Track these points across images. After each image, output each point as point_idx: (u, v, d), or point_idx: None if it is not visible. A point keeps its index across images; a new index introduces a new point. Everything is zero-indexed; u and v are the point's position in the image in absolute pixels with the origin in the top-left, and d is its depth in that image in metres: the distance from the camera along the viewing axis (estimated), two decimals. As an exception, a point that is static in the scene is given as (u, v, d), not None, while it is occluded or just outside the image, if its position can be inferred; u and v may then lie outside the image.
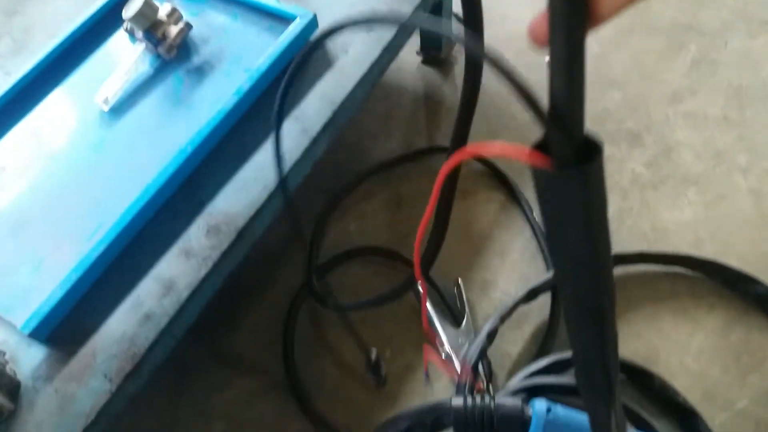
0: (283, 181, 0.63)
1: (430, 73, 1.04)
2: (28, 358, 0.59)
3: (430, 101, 1.01)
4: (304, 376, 0.80)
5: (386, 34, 0.80)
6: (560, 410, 0.61)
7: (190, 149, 0.68)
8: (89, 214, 0.67)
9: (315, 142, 0.73)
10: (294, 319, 0.85)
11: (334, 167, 0.96)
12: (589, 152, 0.26)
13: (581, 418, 0.61)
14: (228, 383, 0.81)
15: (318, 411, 0.78)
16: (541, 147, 0.26)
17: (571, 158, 0.26)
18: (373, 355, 0.76)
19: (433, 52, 1.02)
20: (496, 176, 0.93)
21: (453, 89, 1.02)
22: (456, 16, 1.03)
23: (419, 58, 1.04)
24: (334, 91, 0.76)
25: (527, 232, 0.88)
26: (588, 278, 0.32)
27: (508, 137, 0.96)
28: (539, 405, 0.62)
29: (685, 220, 0.87)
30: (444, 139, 0.97)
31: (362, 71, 0.77)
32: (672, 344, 0.78)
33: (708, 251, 0.82)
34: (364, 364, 0.77)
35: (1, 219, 0.68)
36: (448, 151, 0.81)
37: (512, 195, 0.91)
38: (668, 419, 0.73)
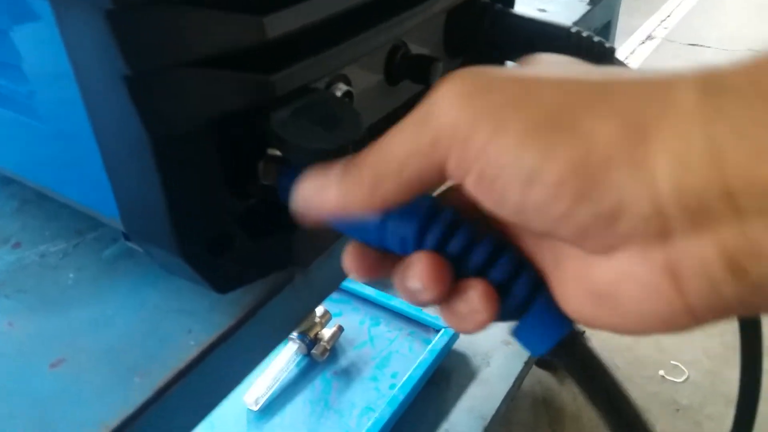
0: None
1: (545, 377, 1.03)
2: None
3: (551, 408, 0.98)
4: None
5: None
6: None
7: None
8: None
9: (466, 458, 0.69)
10: None
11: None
12: None
13: None
14: None
15: None
16: None
17: None
18: None
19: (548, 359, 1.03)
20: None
21: (571, 396, 1.00)
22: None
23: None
24: (482, 405, 0.75)
25: None
26: None
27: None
28: None
29: None
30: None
31: (508, 385, 0.77)
32: None
33: None
34: None
35: None
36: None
37: None
38: None
